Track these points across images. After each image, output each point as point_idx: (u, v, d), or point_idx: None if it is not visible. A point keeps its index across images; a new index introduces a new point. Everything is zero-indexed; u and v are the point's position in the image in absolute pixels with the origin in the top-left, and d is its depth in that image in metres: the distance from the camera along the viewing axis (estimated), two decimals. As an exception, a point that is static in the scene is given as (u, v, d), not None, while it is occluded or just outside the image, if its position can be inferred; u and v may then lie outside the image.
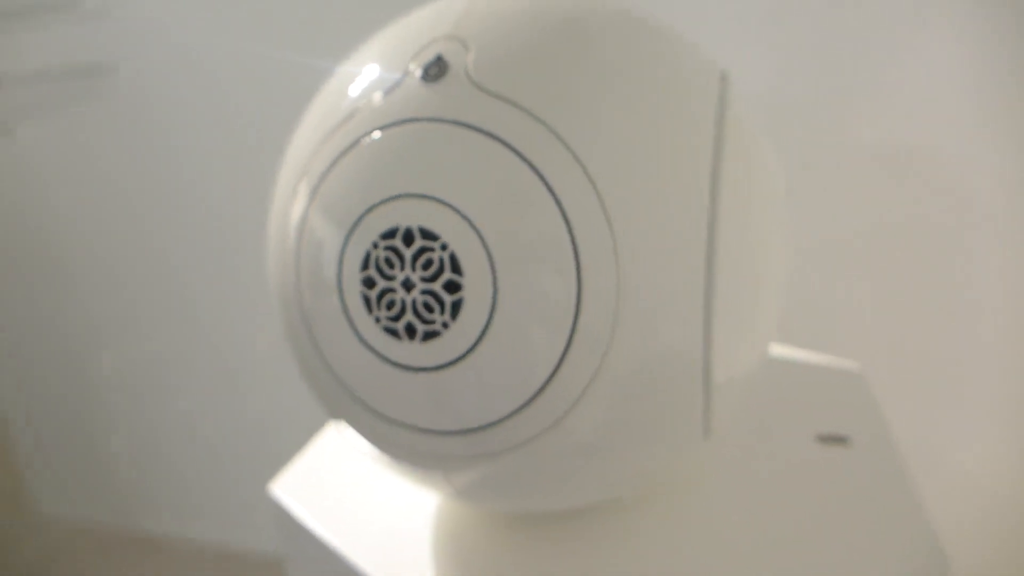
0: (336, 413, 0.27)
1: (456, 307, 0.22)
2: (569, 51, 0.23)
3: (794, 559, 0.29)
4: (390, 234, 0.22)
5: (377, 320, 0.23)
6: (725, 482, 0.35)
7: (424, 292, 0.22)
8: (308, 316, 0.25)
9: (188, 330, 1.14)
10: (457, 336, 0.22)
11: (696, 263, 0.23)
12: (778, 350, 0.49)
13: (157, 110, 1.11)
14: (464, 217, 0.21)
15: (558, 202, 0.21)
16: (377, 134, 0.23)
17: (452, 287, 0.22)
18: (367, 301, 0.23)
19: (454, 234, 0.21)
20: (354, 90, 0.25)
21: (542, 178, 0.21)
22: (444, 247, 0.21)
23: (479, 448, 0.24)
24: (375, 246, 0.22)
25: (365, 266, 0.23)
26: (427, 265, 0.22)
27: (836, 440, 0.38)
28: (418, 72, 0.23)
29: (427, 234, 0.22)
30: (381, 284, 0.22)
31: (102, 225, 1.21)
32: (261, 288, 0.32)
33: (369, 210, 0.22)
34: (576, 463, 0.25)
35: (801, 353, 0.48)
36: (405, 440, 0.25)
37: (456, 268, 0.21)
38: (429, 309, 0.22)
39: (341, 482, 0.37)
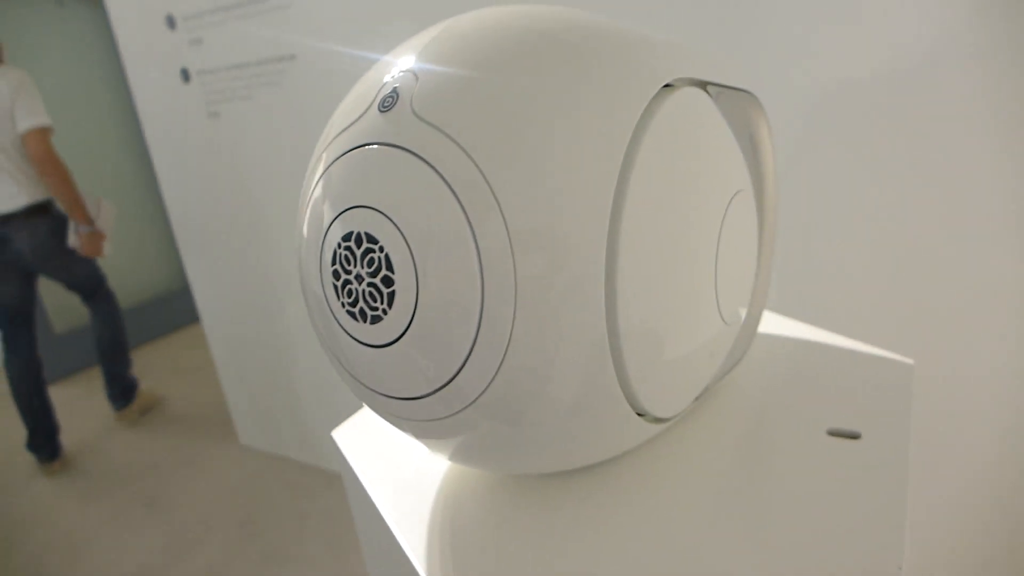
0: (342, 379, 0.34)
1: (391, 298, 0.27)
2: (492, 82, 0.26)
3: (782, 542, 0.31)
4: (348, 237, 0.27)
5: (343, 305, 0.28)
6: (728, 463, 0.36)
7: (369, 285, 0.27)
8: (308, 301, 0.31)
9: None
10: (393, 321, 0.27)
11: (594, 258, 0.25)
12: (829, 338, 0.48)
13: (326, 92, 1.25)
14: (395, 225, 0.26)
15: (465, 213, 0.25)
16: (347, 154, 0.28)
17: (387, 281, 0.27)
18: (336, 290, 0.29)
19: (388, 239, 0.26)
20: (345, 110, 0.30)
21: (453, 192, 0.25)
22: (381, 249, 0.26)
23: (424, 414, 0.29)
24: (339, 246, 0.28)
25: (334, 262, 0.28)
26: (371, 263, 0.27)
27: (847, 436, 0.38)
28: (378, 102, 0.28)
29: (370, 238, 0.27)
30: (343, 277, 0.28)
31: (288, 191, 1.41)
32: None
33: (336, 217, 0.28)
34: (506, 433, 0.29)
35: (856, 344, 0.47)
36: (379, 403, 0.31)
37: (390, 266, 0.26)
38: (374, 299, 0.27)
39: (386, 435, 0.44)
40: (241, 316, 1.74)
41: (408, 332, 0.27)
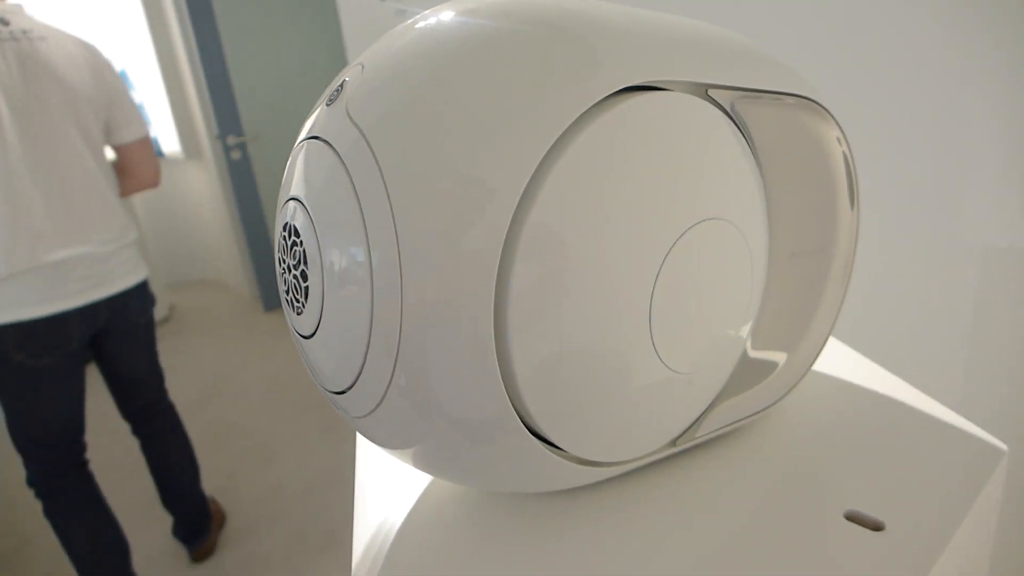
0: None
1: (307, 292, 0.27)
2: (411, 86, 0.25)
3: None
4: (284, 228, 0.28)
5: (284, 292, 0.29)
6: (723, 527, 0.32)
7: (294, 277, 0.28)
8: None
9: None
10: (310, 315, 0.27)
11: (483, 281, 0.23)
12: (904, 391, 0.40)
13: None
14: (311, 221, 0.26)
15: (363, 217, 0.24)
16: (297, 144, 0.29)
17: (304, 276, 0.27)
18: (281, 277, 0.29)
19: (306, 233, 0.26)
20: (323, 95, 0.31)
21: (356, 196, 0.24)
22: (301, 243, 0.27)
23: (352, 409, 0.29)
24: (281, 235, 0.29)
25: (278, 249, 0.29)
26: (295, 256, 0.27)
27: (868, 524, 0.31)
28: (328, 94, 0.28)
29: (295, 231, 0.27)
30: (282, 265, 0.29)
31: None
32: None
33: (283, 206, 0.29)
34: (416, 437, 0.28)
35: (938, 407, 0.38)
36: (324, 393, 0.31)
37: (306, 261, 0.26)
38: (297, 291, 0.28)
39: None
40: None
41: (320, 327, 0.27)
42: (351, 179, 0.25)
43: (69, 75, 1.16)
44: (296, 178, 0.28)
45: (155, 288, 3.13)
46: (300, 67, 3.04)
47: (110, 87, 1.25)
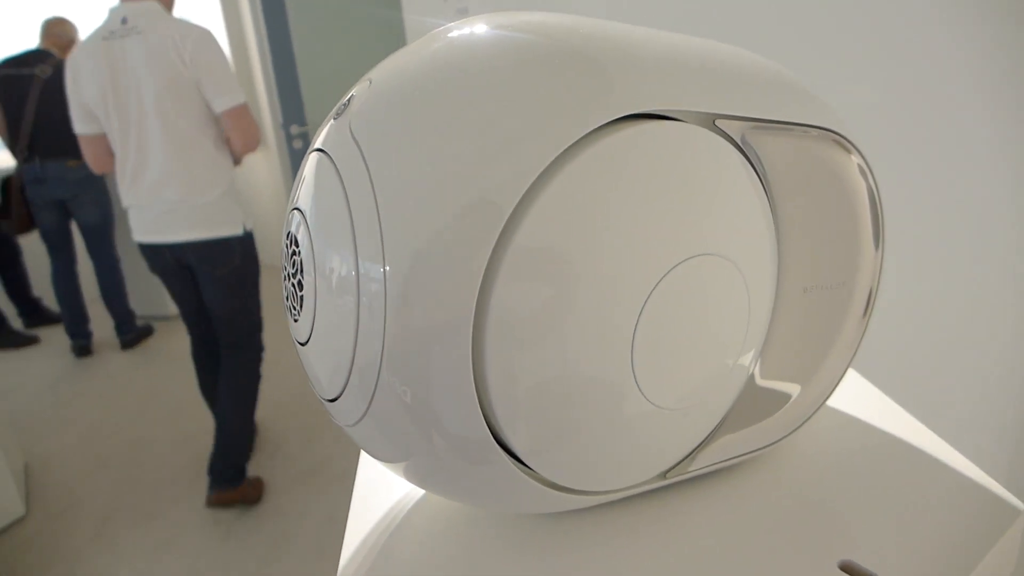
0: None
1: (302, 301, 0.27)
2: (404, 101, 0.25)
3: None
4: (287, 236, 0.29)
5: (285, 298, 0.30)
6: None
7: (292, 285, 0.28)
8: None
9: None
10: (304, 323, 0.28)
11: (463, 301, 0.23)
12: (921, 436, 0.38)
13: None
14: (308, 231, 0.27)
15: (354, 233, 0.25)
16: (306, 154, 0.29)
17: (300, 285, 0.27)
18: (283, 284, 0.30)
19: (304, 244, 0.27)
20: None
21: (350, 212, 0.25)
22: (299, 252, 0.27)
23: (340, 418, 0.29)
24: (284, 243, 0.29)
25: (281, 257, 0.30)
26: (294, 265, 0.28)
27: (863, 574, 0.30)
28: (337, 107, 0.29)
29: (295, 240, 0.28)
30: (284, 272, 0.29)
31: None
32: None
33: (288, 215, 0.29)
34: (399, 451, 0.28)
35: (967, 465, 0.36)
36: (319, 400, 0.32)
37: (303, 271, 0.27)
38: (294, 299, 0.28)
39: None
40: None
41: (312, 336, 0.28)
42: (345, 193, 0.25)
43: (157, 62, 1.41)
44: (301, 189, 0.28)
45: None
46: (363, 62, 3.09)
47: (198, 67, 1.43)
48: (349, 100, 0.28)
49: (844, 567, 0.30)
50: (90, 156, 1.54)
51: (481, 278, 0.23)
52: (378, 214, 0.24)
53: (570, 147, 0.24)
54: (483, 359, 0.24)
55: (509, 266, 0.23)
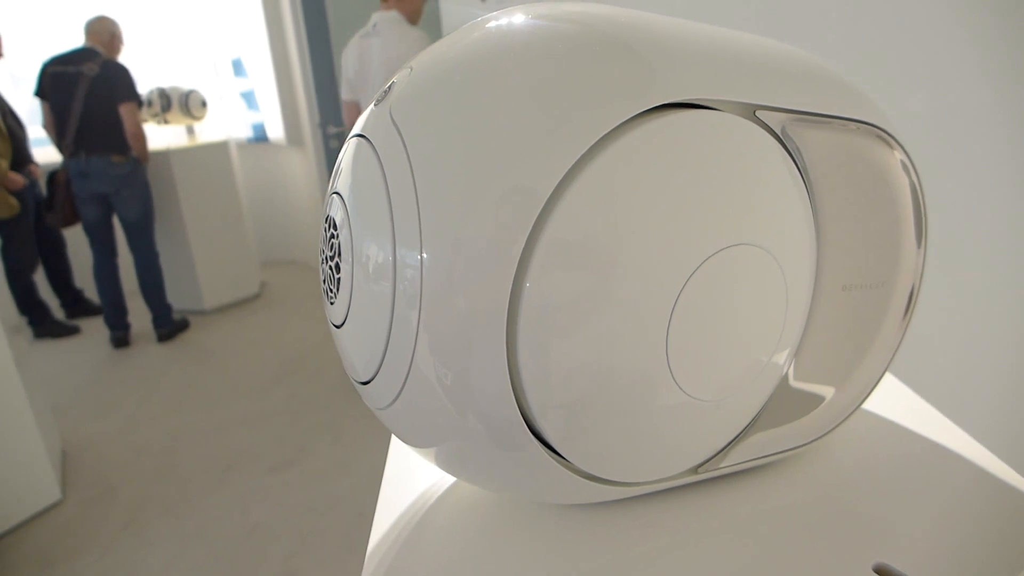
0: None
1: (339, 284, 0.28)
2: (443, 87, 0.26)
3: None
4: (326, 219, 0.29)
5: (322, 281, 0.31)
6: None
7: (329, 267, 0.29)
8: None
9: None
10: (340, 306, 0.28)
11: (499, 286, 0.23)
12: (960, 441, 0.37)
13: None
14: (347, 214, 0.27)
15: (392, 215, 0.25)
16: (347, 140, 0.30)
17: (338, 268, 0.28)
18: (320, 267, 0.31)
19: (342, 227, 0.27)
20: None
21: (388, 194, 0.25)
22: (338, 236, 0.28)
23: (372, 401, 0.30)
24: (323, 226, 0.30)
25: (322, 239, 0.30)
26: (332, 248, 0.28)
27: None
28: (378, 96, 0.29)
29: (334, 224, 0.28)
30: (322, 255, 0.30)
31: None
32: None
33: (327, 199, 0.30)
34: (430, 436, 0.28)
35: (1010, 472, 0.35)
36: (352, 382, 0.32)
37: (340, 253, 0.28)
38: (331, 281, 0.29)
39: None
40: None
41: (348, 318, 0.28)
42: (385, 177, 0.26)
43: (386, 58, 1.95)
44: (341, 173, 0.29)
45: (249, 266, 3.28)
46: (401, 63, 3.13)
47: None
48: (390, 87, 0.28)
49: (878, 570, 0.30)
50: (347, 117, 2.17)
51: (516, 265, 0.23)
52: (416, 199, 0.24)
53: (609, 134, 0.24)
54: (516, 346, 0.24)
55: (544, 253, 0.23)
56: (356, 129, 0.29)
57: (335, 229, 0.28)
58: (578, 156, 0.23)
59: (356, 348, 0.28)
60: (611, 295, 0.24)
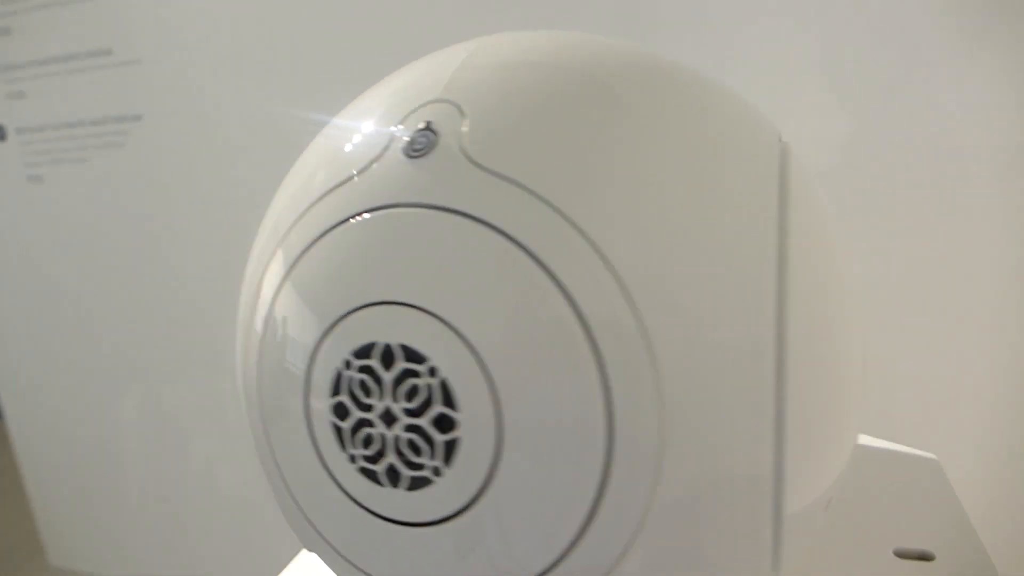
0: (311, 547, 0.22)
1: (450, 448, 0.17)
2: (591, 116, 0.18)
3: None
4: (364, 353, 0.17)
5: (352, 459, 0.18)
6: None
7: (409, 428, 0.17)
8: (269, 435, 0.20)
9: (210, 377, 1.11)
10: (454, 484, 0.17)
11: (763, 369, 0.17)
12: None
13: (174, 159, 1.10)
14: (458, 333, 0.16)
15: (579, 314, 0.16)
16: (356, 219, 0.18)
17: (444, 423, 0.17)
18: (338, 435, 0.18)
19: (446, 355, 0.16)
20: (336, 157, 0.20)
21: (556, 281, 0.16)
22: (433, 372, 0.16)
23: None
24: (347, 365, 0.17)
25: (336, 390, 0.18)
26: (412, 395, 0.17)
27: (919, 557, 0.31)
28: (402, 143, 0.18)
29: (412, 355, 0.17)
30: (355, 415, 0.18)
31: (121, 271, 1.20)
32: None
33: (338, 322, 0.18)
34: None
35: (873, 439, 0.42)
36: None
37: (449, 400, 0.16)
38: (416, 451, 0.17)
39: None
40: (57, 415, 1.44)
41: (481, 499, 0.17)
42: (540, 262, 0.16)
43: None
44: (378, 271, 0.17)
45: None
46: None
47: None
48: (429, 130, 0.18)
49: (900, 554, 0.32)
50: None
51: (775, 309, 0.17)
52: (619, 285, 0.16)
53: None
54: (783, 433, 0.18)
55: (797, 292, 0.18)
56: (370, 202, 0.18)
57: (415, 361, 0.17)
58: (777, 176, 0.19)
59: (489, 546, 0.17)
60: (850, 339, 0.20)
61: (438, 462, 0.17)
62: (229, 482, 1.17)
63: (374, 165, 0.19)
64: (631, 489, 0.16)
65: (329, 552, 0.20)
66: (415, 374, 0.17)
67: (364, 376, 0.17)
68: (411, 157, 0.18)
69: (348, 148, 0.20)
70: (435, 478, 0.17)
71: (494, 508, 0.17)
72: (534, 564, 0.17)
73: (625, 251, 0.16)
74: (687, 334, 0.16)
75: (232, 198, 1.00)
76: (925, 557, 0.31)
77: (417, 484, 0.17)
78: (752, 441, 0.17)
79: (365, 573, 0.20)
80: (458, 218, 0.17)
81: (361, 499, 0.18)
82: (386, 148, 0.19)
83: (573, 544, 0.17)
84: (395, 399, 0.17)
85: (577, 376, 0.16)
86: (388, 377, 0.17)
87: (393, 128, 0.19)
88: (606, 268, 0.16)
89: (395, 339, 0.17)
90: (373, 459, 0.18)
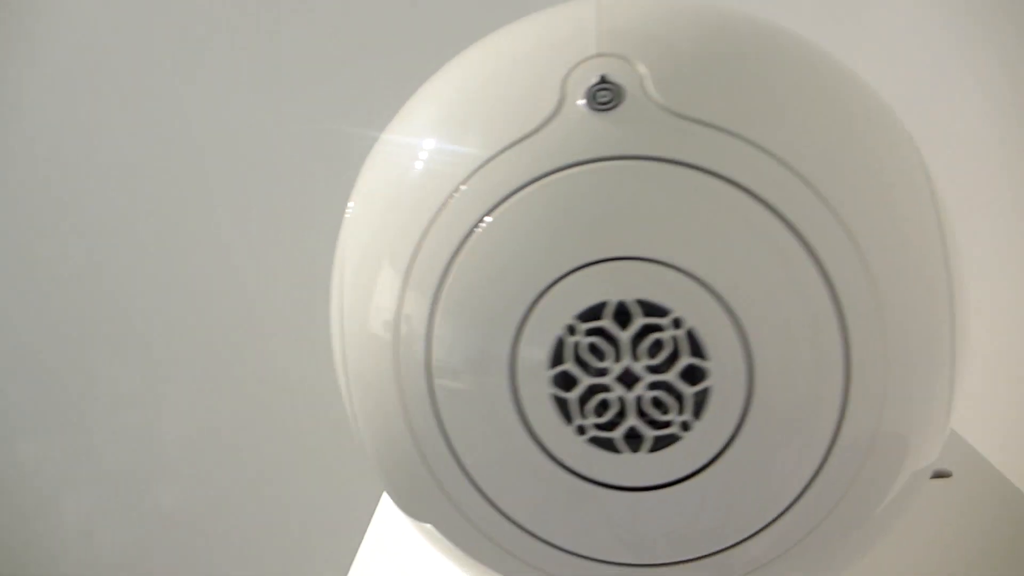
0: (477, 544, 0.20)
1: (700, 400, 0.16)
2: (766, 66, 0.19)
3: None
4: (595, 313, 0.16)
5: (580, 431, 0.17)
6: None
7: (652, 386, 0.16)
8: (444, 428, 0.18)
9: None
10: (701, 440, 0.16)
11: (943, 336, 0.19)
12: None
13: None
14: (701, 282, 0.16)
15: (814, 256, 0.16)
16: (553, 177, 0.17)
17: (695, 374, 0.16)
18: (564, 408, 0.17)
19: (690, 304, 0.16)
20: (489, 120, 0.19)
21: (786, 222, 0.16)
22: (677, 323, 0.16)
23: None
24: (571, 331, 0.16)
25: (558, 360, 0.17)
26: (655, 350, 0.16)
27: (941, 475, 0.35)
28: (580, 99, 0.18)
29: (650, 308, 0.16)
30: (585, 381, 0.17)
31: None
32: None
33: (553, 283, 0.16)
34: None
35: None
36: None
37: (697, 350, 0.16)
38: (662, 408, 0.16)
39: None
40: None
41: (731, 448, 0.17)
42: (766, 203, 0.16)
43: None
44: (601, 226, 0.17)
45: None
46: None
47: None
48: (607, 84, 0.18)
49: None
50: None
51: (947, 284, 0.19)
52: (845, 230, 0.17)
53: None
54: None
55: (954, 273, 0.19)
56: (588, 152, 0.17)
57: (661, 315, 0.16)
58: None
59: (734, 497, 0.17)
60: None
61: (687, 416, 0.16)
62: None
63: (553, 122, 0.18)
64: (864, 419, 0.17)
65: (514, 538, 0.19)
66: (656, 328, 0.16)
67: (594, 339, 0.16)
68: (597, 110, 0.17)
69: (496, 111, 0.19)
70: (683, 433, 0.16)
71: (748, 454, 0.17)
72: (779, 504, 0.17)
73: (852, 204, 0.17)
74: (905, 287, 0.17)
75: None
76: (942, 474, 0.35)
77: (660, 444, 0.17)
78: (934, 387, 0.19)
79: (562, 550, 0.18)
80: (675, 167, 0.17)
81: (585, 472, 0.17)
82: (559, 107, 0.18)
83: (816, 474, 0.17)
84: (635, 357, 0.16)
85: (818, 318, 0.16)
86: (625, 336, 0.16)
87: (559, 86, 0.18)
88: (825, 206, 0.17)
89: (630, 295, 0.16)
90: (608, 426, 0.17)
